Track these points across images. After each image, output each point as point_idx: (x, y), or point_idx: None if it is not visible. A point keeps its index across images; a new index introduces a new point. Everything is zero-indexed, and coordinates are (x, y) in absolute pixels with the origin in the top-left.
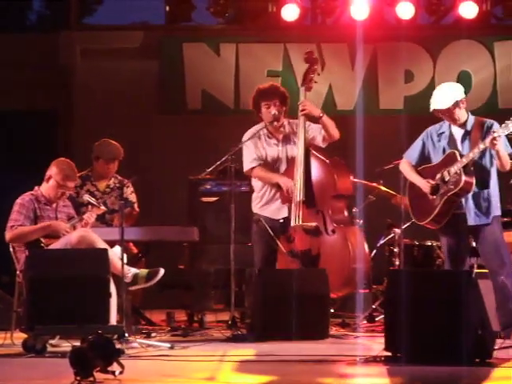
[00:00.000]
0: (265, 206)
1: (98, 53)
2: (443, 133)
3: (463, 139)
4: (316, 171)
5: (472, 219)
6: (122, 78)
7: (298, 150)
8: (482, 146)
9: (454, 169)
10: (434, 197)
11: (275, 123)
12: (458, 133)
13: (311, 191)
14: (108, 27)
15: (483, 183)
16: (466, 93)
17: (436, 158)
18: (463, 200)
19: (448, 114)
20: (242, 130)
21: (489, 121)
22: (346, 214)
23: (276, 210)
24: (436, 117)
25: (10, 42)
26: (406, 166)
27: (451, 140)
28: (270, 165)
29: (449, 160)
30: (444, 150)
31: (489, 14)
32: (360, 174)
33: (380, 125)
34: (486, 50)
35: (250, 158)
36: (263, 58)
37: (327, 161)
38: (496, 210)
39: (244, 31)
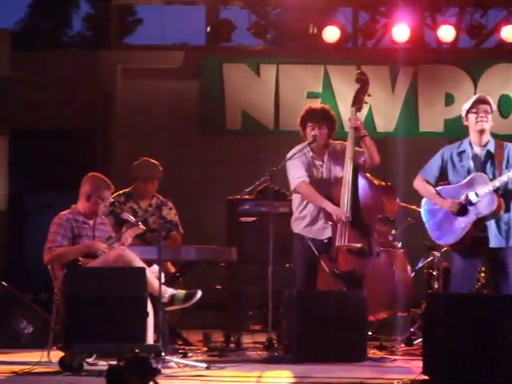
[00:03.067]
0: (308, 226)
1: (138, 72)
2: (464, 151)
3: (486, 161)
4: (364, 192)
5: (493, 242)
6: (162, 97)
7: (346, 167)
8: None
9: (484, 191)
10: (460, 218)
11: (314, 144)
12: (481, 154)
13: (358, 212)
14: (148, 47)
15: (507, 207)
16: (506, 116)
17: (456, 177)
18: (487, 222)
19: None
20: (281, 150)
21: (509, 144)
22: (390, 237)
23: (320, 230)
24: None
25: (51, 60)
26: (422, 183)
27: (476, 160)
28: (315, 185)
29: (475, 181)
30: (468, 171)
31: None
32: (400, 196)
33: (420, 147)
34: None
35: (297, 173)
36: (303, 79)
37: (375, 182)
38: None
39: (284, 52)
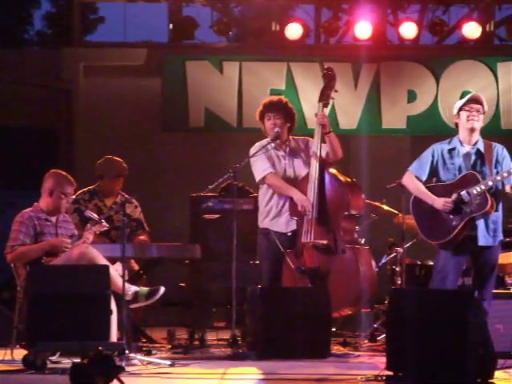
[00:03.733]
0: (273, 220)
1: (100, 70)
2: (454, 149)
3: (477, 159)
4: (330, 188)
5: (482, 240)
6: (125, 95)
7: (312, 163)
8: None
9: (477, 190)
10: (451, 216)
11: (278, 141)
12: (471, 152)
13: (324, 209)
14: (111, 44)
15: (496, 206)
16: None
17: (446, 175)
18: (476, 221)
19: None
20: (244, 147)
21: (497, 144)
22: (355, 233)
23: (285, 224)
24: (441, 137)
25: (11, 58)
26: (413, 181)
27: (467, 158)
28: (281, 174)
29: (467, 180)
30: (460, 169)
31: (492, 34)
32: (363, 192)
33: (383, 144)
34: (489, 71)
35: (262, 166)
36: (266, 76)
37: (341, 179)
38: (501, 233)
39: (247, 49)
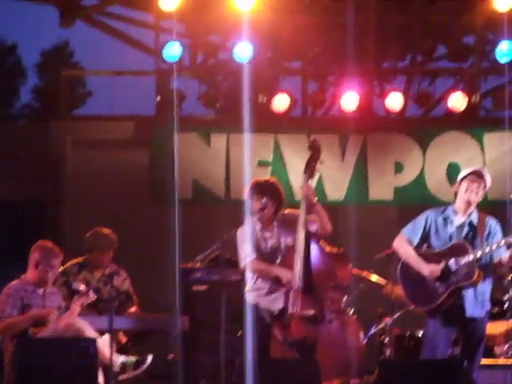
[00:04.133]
0: (260, 297)
1: (88, 143)
2: (448, 218)
3: (469, 230)
4: (316, 259)
5: (470, 311)
6: (113, 167)
7: (298, 235)
8: (500, 244)
9: (465, 260)
10: (438, 284)
11: (264, 211)
12: (464, 223)
13: (310, 279)
14: (98, 117)
15: (484, 278)
16: (454, 184)
17: (437, 242)
18: (463, 291)
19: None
20: (232, 219)
21: (490, 218)
22: (342, 303)
23: (272, 301)
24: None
25: None
26: (405, 245)
27: (459, 230)
28: (267, 256)
29: (456, 250)
30: (451, 238)
31: (478, 106)
32: (351, 263)
33: (370, 215)
34: (475, 142)
35: (244, 252)
36: (254, 148)
37: (328, 249)
38: (488, 304)
39: (235, 121)
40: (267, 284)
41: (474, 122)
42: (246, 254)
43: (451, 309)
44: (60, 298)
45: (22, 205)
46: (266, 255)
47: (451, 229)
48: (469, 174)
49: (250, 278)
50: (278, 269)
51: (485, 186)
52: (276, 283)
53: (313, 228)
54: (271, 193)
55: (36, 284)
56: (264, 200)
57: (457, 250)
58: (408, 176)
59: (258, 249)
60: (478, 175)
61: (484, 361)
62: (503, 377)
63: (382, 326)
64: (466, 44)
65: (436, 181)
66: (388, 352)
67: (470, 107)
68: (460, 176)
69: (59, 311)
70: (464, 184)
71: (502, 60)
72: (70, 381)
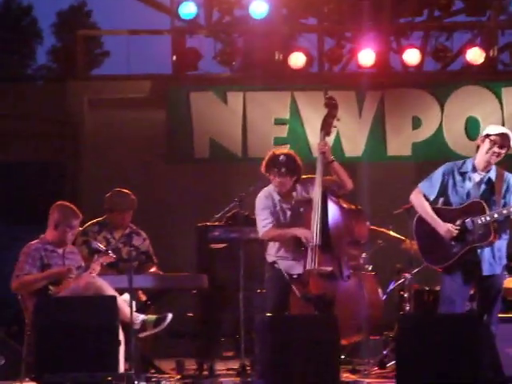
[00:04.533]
0: (280, 260)
1: (105, 103)
2: (466, 173)
3: (486, 187)
4: (333, 216)
5: (487, 269)
6: (130, 127)
7: (315, 191)
8: None
9: (482, 220)
10: (453, 243)
11: (282, 190)
12: (482, 179)
13: (328, 236)
14: (115, 77)
15: (500, 235)
16: (473, 139)
17: (454, 198)
18: (479, 249)
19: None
20: (249, 177)
21: (509, 174)
22: (361, 260)
23: (290, 266)
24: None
25: (16, 93)
26: (420, 199)
27: (476, 185)
28: (284, 223)
29: (473, 209)
30: (468, 195)
31: (496, 60)
32: (369, 219)
33: (388, 171)
34: (493, 96)
35: (262, 222)
36: (270, 106)
37: (345, 206)
38: (505, 259)
39: (251, 79)
40: (283, 249)
41: (491, 76)
42: (264, 224)
43: (467, 266)
44: (79, 258)
45: (39, 165)
46: (285, 226)
47: (469, 185)
48: (496, 135)
49: (272, 246)
50: (295, 229)
51: (508, 149)
52: (298, 250)
53: (333, 187)
54: (289, 167)
55: (55, 244)
56: (281, 178)
57: (474, 209)
58: (426, 131)
59: (277, 220)
60: (503, 138)
61: (502, 314)
62: None
63: (401, 281)
64: None
65: (454, 135)
66: (407, 307)
67: (488, 61)
68: (486, 131)
69: (79, 270)
70: (487, 143)
71: None
72: (91, 339)
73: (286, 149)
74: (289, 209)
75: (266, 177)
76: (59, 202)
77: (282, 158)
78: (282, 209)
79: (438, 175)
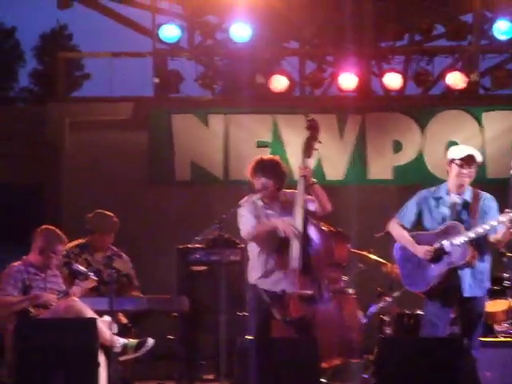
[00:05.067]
0: (262, 278)
1: (86, 125)
2: (441, 198)
3: (462, 209)
4: (314, 239)
5: (467, 291)
6: (111, 149)
7: (296, 215)
8: (493, 224)
9: (458, 240)
10: (432, 266)
11: (264, 192)
12: (457, 202)
13: (308, 258)
14: (97, 99)
15: (481, 257)
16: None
17: (431, 224)
18: (459, 271)
19: (469, 168)
20: (231, 200)
21: (484, 194)
22: (341, 283)
23: (274, 282)
24: (425, 186)
25: None
26: (397, 228)
27: (452, 208)
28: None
29: (450, 231)
30: (444, 218)
31: (477, 84)
32: (350, 242)
33: (369, 194)
34: (474, 120)
35: (248, 223)
36: (252, 128)
37: (325, 228)
38: (487, 283)
39: (232, 102)
40: (268, 263)
41: (472, 101)
42: (253, 224)
43: (448, 289)
44: (61, 281)
45: (20, 187)
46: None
47: (444, 209)
48: (460, 159)
49: (250, 254)
50: (276, 220)
51: (476, 166)
52: (275, 260)
53: (312, 207)
54: (273, 171)
55: (39, 268)
56: (265, 179)
57: (451, 231)
58: (407, 155)
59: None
60: (468, 160)
61: (484, 339)
62: (503, 354)
63: (381, 304)
64: (463, 22)
65: (435, 159)
66: (388, 331)
67: (469, 85)
68: (450, 155)
69: (60, 295)
70: (455, 167)
71: (501, 38)
72: (71, 361)
73: (271, 155)
74: (272, 215)
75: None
76: (44, 227)
77: (267, 162)
78: (266, 215)
79: (412, 204)
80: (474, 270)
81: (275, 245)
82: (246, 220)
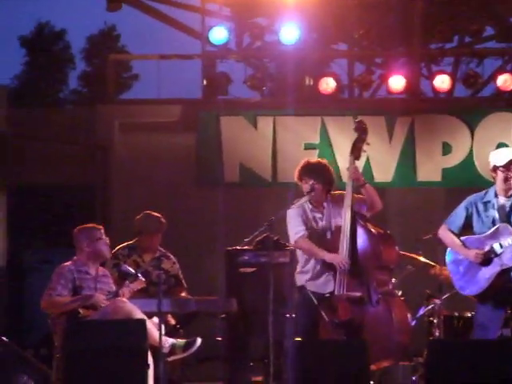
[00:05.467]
0: (310, 280)
1: (135, 127)
2: (489, 202)
3: (511, 211)
4: (362, 241)
5: None
6: (160, 151)
7: (344, 216)
8: None
9: (509, 242)
10: (484, 269)
11: (312, 194)
12: (506, 204)
13: (357, 261)
14: (145, 101)
15: None
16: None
17: (481, 228)
18: (511, 272)
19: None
20: (279, 201)
21: None
22: (390, 285)
23: (322, 284)
24: (476, 189)
25: (47, 117)
26: (447, 234)
27: (501, 211)
28: (316, 237)
29: (500, 233)
30: (493, 221)
31: None
32: (399, 244)
33: (418, 196)
34: None
35: (295, 229)
36: (300, 131)
37: (374, 231)
38: None
39: (281, 104)
40: (316, 268)
41: None
42: (296, 231)
43: (501, 291)
44: (111, 281)
45: (71, 189)
46: (316, 235)
47: (493, 212)
48: (503, 166)
49: (300, 258)
50: (326, 254)
51: None
52: (327, 269)
53: (363, 207)
54: (321, 174)
55: (93, 260)
56: (312, 181)
57: (502, 233)
58: (456, 157)
59: (309, 229)
60: (510, 165)
61: None
62: None
63: (430, 307)
64: None
65: (484, 162)
66: (437, 333)
67: None
68: (492, 162)
69: (110, 295)
70: (500, 174)
71: None
72: (120, 363)
73: (319, 158)
74: (320, 218)
75: (295, 199)
76: (81, 226)
77: (314, 165)
78: (315, 218)
79: (461, 210)
80: None
81: (323, 248)
82: (294, 226)
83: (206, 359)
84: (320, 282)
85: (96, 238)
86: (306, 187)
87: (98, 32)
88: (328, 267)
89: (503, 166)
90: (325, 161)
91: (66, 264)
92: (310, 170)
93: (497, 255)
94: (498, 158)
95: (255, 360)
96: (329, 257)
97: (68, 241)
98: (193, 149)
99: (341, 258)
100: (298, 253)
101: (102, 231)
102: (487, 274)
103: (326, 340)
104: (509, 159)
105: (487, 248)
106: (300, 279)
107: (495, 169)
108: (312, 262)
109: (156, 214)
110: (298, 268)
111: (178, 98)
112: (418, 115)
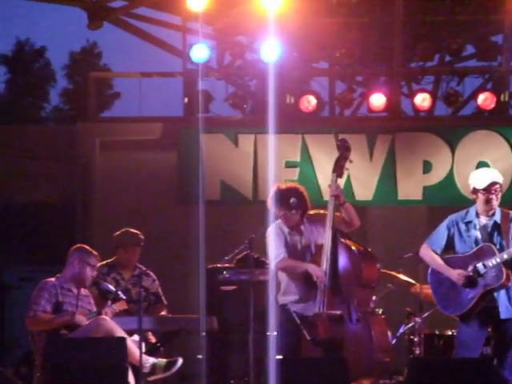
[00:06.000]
0: (295, 303)
1: (116, 145)
2: (471, 222)
3: (493, 231)
4: (343, 259)
5: (504, 313)
6: (141, 169)
7: (326, 235)
8: None
9: (492, 262)
10: (467, 289)
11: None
12: (488, 224)
13: (337, 279)
14: (126, 119)
15: None
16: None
17: (463, 247)
18: (495, 293)
19: (495, 193)
20: (260, 219)
21: None
22: (371, 303)
23: (307, 307)
24: (456, 207)
25: (28, 135)
26: (429, 253)
27: (483, 231)
28: (296, 254)
29: (483, 253)
30: (476, 241)
31: (507, 104)
32: (379, 262)
33: (399, 215)
34: (504, 141)
35: (275, 251)
36: (281, 148)
37: (355, 249)
38: None
39: (262, 122)
40: (301, 288)
41: (502, 121)
42: (276, 254)
43: (484, 311)
44: (92, 301)
45: (51, 207)
46: (296, 256)
47: (475, 232)
48: (483, 189)
49: (280, 278)
50: (306, 264)
51: (502, 189)
52: (309, 291)
53: (341, 225)
54: (296, 202)
55: (74, 282)
56: (284, 212)
57: (485, 253)
58: (437, 175)
59: (289, 252)
60: (492, 186)
61: None
62: None
63: (411, 325)
64: (494, 43)
65: (465, 180)
66: (417, 351)
67: (499, 106)
68: (472, 184)
69: (91, 314)
70: (481, 196)
71: None
72: (101, 380)
73: (290, 183)
74: (299, 241)
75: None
76: (79, 245)
77: (286, 190)
78: (293, 241)
79: (442, 229)
80: (508, 291)
81: (304, 272)
82: (274, 249)
83: (186, 377)
84: (303, 305)
85: (88, 263)
86: (280, 215)
87: (79, 49)
88: (311, 287)
89: (483, 189)
90: (295, 185)
91: (49, 279)
92: (280, 200)
93: (480, 275)
94: (478, 180)
95: (236, 378)
96: (311, 267)
97: (48, 258)
98: (174, 166)
99: (321, 271)
100: (281, 275)
101: (98, 263)
102: (470, 294)
103: (306, 358)
104: (489, 182)
105: (470, 268)
106: (283, 300)
107: (475, 191)
108: (294, 284)
109: (133, 230)
110: (282, 288)
111: (159, 115)
112: (398, 133)
